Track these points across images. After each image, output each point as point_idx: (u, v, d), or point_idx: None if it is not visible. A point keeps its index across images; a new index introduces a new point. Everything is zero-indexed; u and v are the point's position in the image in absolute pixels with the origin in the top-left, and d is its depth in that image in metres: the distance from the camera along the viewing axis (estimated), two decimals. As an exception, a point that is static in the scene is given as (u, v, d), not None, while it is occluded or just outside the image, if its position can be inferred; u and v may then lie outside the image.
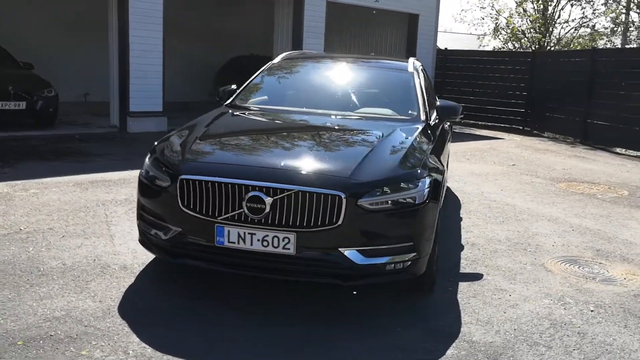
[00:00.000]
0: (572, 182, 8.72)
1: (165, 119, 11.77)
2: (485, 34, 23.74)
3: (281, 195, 3.47)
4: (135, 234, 4.84)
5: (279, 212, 3.48)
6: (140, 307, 3.71)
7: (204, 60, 17.59)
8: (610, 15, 21.67)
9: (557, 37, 21.27)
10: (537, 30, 20.37)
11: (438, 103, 5.14)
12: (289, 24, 14.27)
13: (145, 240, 3.99)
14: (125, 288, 3.96)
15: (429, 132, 4.71)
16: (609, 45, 22.49)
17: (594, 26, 20.74)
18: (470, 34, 24.61)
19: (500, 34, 22.53)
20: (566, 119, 14.14)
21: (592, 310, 4.01)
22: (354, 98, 5.23)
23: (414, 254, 3.66)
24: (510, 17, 21.52)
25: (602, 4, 22.54)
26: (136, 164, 7.76)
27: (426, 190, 3.72)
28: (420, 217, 3.68)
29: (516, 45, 21.61)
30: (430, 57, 17.11)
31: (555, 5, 20.76)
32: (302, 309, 3.80)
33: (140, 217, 4.01)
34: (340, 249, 3.51)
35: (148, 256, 4.51)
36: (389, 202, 3.58)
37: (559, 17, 20.88)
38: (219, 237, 3.57)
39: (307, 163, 3.73)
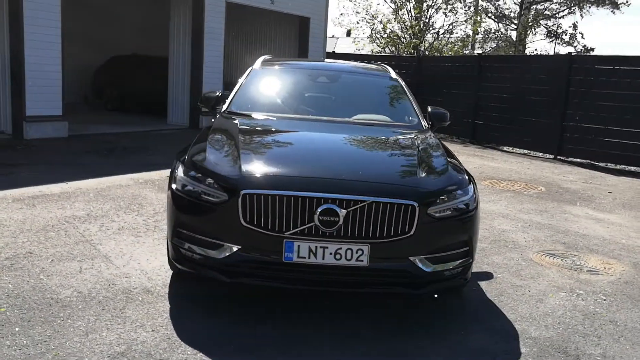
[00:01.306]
0: (493, 179, 9.39)
1: (66, 123, 10.82)
2: (361, 38, 24.60)
3: (355, 207, 3.41)
4: (131, 252, 4.56)
5: (351, 223, 3.41)
6: (202, 333, 3.44)
7: (80, 60, 16.34)
8: (471, 24, 23.52)
9: (430, 42, 22.65)
10: (415, 36, 21.54)
11: (430, 109, 5.31)
12: (188, 23, 13.76)
13: (186, 261, 3.69)
14: (167, 313, 3.64)
15: (437, 138, 4.86)
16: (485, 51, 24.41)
17: (467, 35, 22.30)
18: (357, 39, 25.23)
19: (377, 38, 23.51)
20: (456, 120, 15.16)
21: (604, 300, 4.40)
22: (351, 104, 5.23)
23: (468, 258, 3.78)
24: (388, 22, 22.53)
25: (463, 14, 24.33)
26: (65, 175, 7.15)
27: (474, 196, 3.86)
28: (472, 222, 3.81)
29: (393, 49, 22.66)
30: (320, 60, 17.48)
31: (428, 13, 22.08)
32: (361, 326, 3.76)
33: (177, 236, 3.70)
34: (410, 258, 3.52)
35: (162, 276, 4.21)
36: (450, 209, 3.66)
37: (432, 24, 22.24)
38: (288, 252, 3.42)
39: (373, 173, 3.70)
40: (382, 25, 22.85)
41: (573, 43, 22.37)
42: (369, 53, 22.90)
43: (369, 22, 24.01)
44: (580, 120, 12.04)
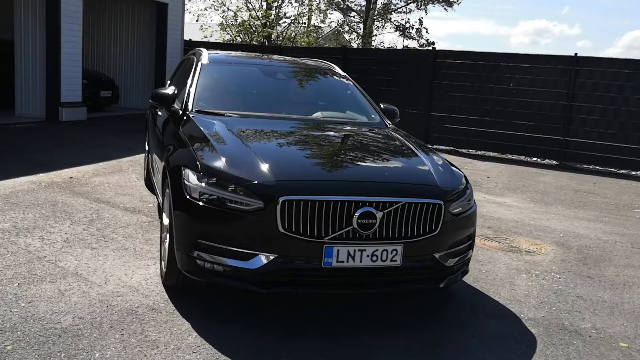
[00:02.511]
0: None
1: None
2: (209, 26, 24.06)
3: (390, 209, 3.46)
4: (101, 267, 4.24)
5: (385, 225, 3.46)
6: (246, 347, 3.26)
7: None
8: (318, 15, 24.20)
9: (281, 32, 22.89)
10: (269, 25, 21.61)
11: (382, 106, 5.46)
12: (40, 6, 12.40)
13: (205, 273, 3.47)
14: (193, 331, 3.38)
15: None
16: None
17: (315, 26, 22.81)
18: (204, 26, 24.46)
19: (227, 26, 23.18)
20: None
21: (559, 278, 4.93)
22: (317, 102, 5.21)
23: (471, 250, 4.03)
24: (239, 10, 22.32)
25: (307, 4, 24.86)
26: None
27: (472, 193, 4.10)
28: (475, 217, 4.05)
29: (245, 38, 22.52)
30: (179, 48, 16.79)
31: (278, 2, 22.26)
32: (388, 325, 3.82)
33: (198, 248, 3.45)
34: (434, 254, 3.66)
35: (155, 291, 3.92)
36: (462, 205, 3.86)
37: (285, 14, 22.48)
38: (327, 257, 3.37)
39: (397, 174, 3.77)
40: (232, 13, 22.60)
41: (420, 37, 24.12)
42: (222, 41, 22.51)
43: (217, 10, 23.61)
44: (444, 110, 13.07)
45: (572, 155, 12.01)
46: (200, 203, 3.44)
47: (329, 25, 24.90)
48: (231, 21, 23.16)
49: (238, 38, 22.83)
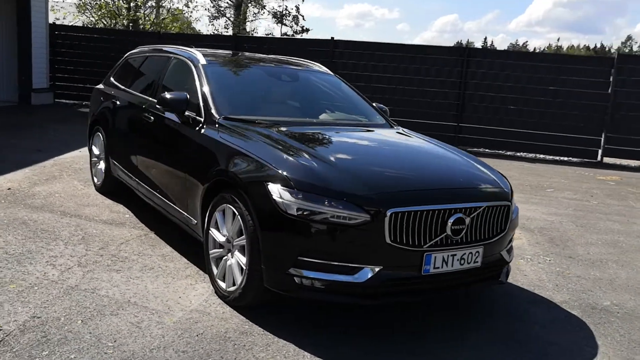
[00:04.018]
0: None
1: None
2: (61, 7, 22.14)
3: (474, 214, 3.64)
4: (149, 292, 3.98)
5: (470, 229, 3.64)
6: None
7: None
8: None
9: (147, 16, 21.74)
10: (136, 8, 20.39)
11: (375, 105, 5.57)
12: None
13: (303, 290, 3.41)
14: (304, 351, 3.31)
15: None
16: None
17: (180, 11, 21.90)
18: (55, 7, 22.33)
19: (86, 8, 21.50)
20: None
21: (550, 260, 5.46)
22: (327, 104, 5.19)
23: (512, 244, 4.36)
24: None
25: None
26: None
27: (510, 190, 4.41)
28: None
29: (110, 22, 21.06)
30: (44, 34, 15.34)
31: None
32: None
33: (298, 266, 3.38)
34: (500, 252, 3.92)
35: (227, 311, 3.74)
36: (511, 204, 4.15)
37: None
38: (427, 265, 3.48)
39: (469, 179, 3.94)
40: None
41: (297, 24, 24.18)
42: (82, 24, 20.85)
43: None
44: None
45: (466, 140, 13.02)
46: (299, 219, 3.36)
47: (194, 9, 24.08)
48: (90, 1, 21.47)
49: (101, 23, 21.29)
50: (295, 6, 26.25)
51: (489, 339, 3.70)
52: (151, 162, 5.08)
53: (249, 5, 23.70)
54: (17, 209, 5.58)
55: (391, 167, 3.97)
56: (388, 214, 3.34)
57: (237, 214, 3.70)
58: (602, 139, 12.43)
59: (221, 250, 3.95)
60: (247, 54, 6.15)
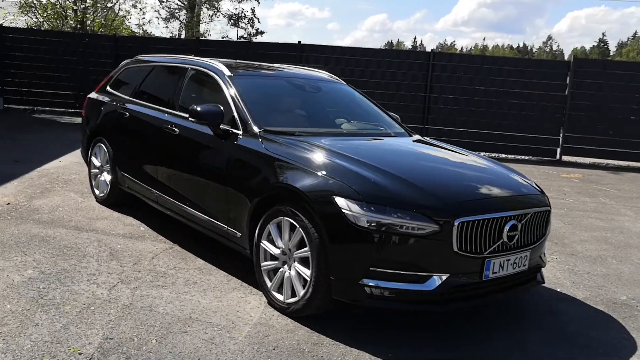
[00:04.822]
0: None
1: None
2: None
3: (524, 220, 3.85)
4: (206, 307, 3.83)
5: (521, 234, 3.85)
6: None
7: None
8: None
9: (95, 18, 21.08)
10: (85, 9, 19.74)
11: (390, 113, 5.72)
12: None
13: (373, 299, 3.52)
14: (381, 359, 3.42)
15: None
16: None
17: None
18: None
19: (29, 8, 20.61)
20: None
21: (557, 258, 5.77)
22: (352, 115, 5.30)
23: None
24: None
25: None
26: None
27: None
28: None
29: (57, 23, 20.28)
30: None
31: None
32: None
33: (369, 276, 3.49)
34: (540, 255, 4.16)
35: (287, 321, 3.78)
36: (544, 207, 4.39)
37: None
38: (487, 270, 3.67)
39: (513, 186, 4.12)
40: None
41: (252, 26, 23.97)
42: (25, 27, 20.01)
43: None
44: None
45: (431, 141, 13.38)
46: (370, 231, 3.46)
47: (141, 10, 23.51)
48: (33, 2, 20.59)
49: (46, 24, 20.47)
50: (251, 9, 26.22)
51: (542, 337, 3.91)
52: (179, 175, 5.03)
53: (203, 7, 23.36)
54: (27, 225, 5.40)
55: (446, 178, 4.12)
56: (456, 223, 3.49)
57: (298, 226, 3.75)
58: (561, 139, 13.09)
59: (275, 262, 3.99)
60: (260, 64, 6.17)
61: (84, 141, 6.75)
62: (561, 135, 13.08)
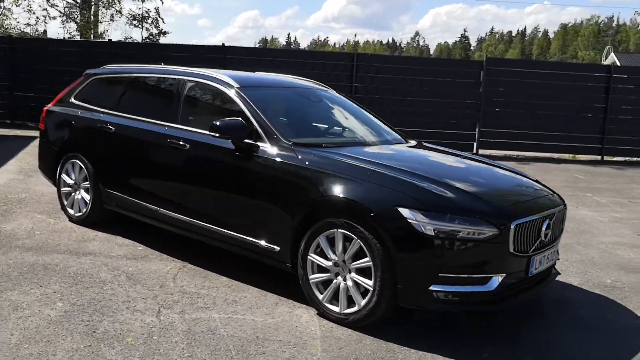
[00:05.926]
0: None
1: None
2: None
3: (554, 218, 4.21)
4: (255, 320, 3.92)
5: (551, 231, 4.20)
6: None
7: None
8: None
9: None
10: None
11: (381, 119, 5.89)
12: None
13: (438, 303, 3.71)
14: (453, 360, 3.61)
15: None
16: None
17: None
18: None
19: None
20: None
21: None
22: (349, 123, 5.42)
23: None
24: None
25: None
26: None
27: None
28: None
29: None
30: None
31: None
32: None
33: (437, 282, 3.68)
34: (557, 250, 4.55)
35: (342, 330, 3.87)
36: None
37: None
38: (532, 267, 3.98)
39: (538, 188, 4.48)
40: None
41: (156, 27, 22.92)
42: None
43: None
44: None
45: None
46: (436, 239, 3.63)
47: (27, 7, 21.91)
48: None
49: None
50: (155, 8, 25.15)
51: (566, 322, 4.29)
52: (193, 191, 4.89)
53: (100, 6, 22.09)
54: (16, 253, 5.00)
55: (486, 183, 4.38)
56: (512, 226, 3.76)
57: (355, 237, 3.84)
58: (477, 133, 13.99)
59: (327, 274, 4.05)
60: (257, 73, 6.15)
61: (47, 157, 6.31)
62: (477, 130, 13.97)
